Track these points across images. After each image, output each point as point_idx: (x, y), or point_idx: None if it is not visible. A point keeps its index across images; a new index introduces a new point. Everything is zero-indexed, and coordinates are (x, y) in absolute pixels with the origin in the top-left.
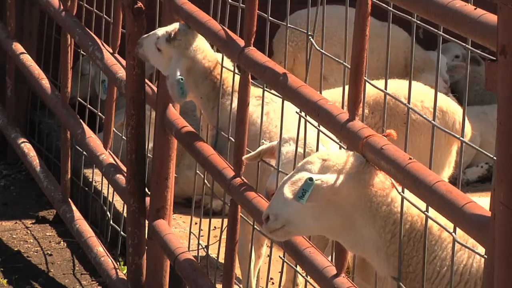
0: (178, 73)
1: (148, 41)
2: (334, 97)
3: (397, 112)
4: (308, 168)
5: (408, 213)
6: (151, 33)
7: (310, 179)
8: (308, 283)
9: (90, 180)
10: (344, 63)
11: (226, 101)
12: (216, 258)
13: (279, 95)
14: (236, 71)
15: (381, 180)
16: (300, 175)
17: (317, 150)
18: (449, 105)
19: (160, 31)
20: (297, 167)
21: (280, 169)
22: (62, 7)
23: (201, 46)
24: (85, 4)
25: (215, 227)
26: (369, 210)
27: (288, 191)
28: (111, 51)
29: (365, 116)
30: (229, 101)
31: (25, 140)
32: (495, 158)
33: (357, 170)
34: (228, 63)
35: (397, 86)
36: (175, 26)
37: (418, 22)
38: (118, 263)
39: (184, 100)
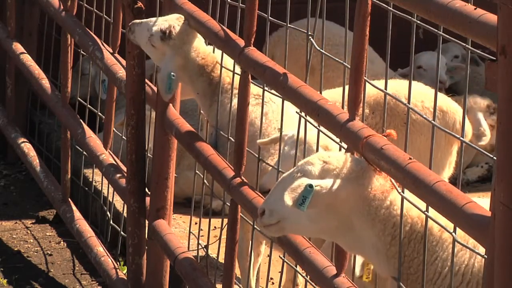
0: (170, 69)
1: (140, 30)
2: (334, 97)
3: (397, 112)
4: (308, 169)
5: (408, 215)
6: (143, 22)
7: (310, 185)
8: (308, 283)
9: (90, 180)
10: (344, 63)
11: (225, 98)
12: (216, 258)
13: (279, 95)
14: (236, 70)
15: (381, 183)
16: (299, 182)
17: (317, 150)
18: (450, 105)
19: (155, 27)
20: (297, 166)
21: (280, 169)
22: (62, 7)
23: (196, 44)
24: (85, 4)
25: (215, 227)
26: (368, 214)
27: (288, 198)
28: (111, 51)
29: (366, 116)
30: (227, 99)
31: (25, 140)
32: (495, 158)
33: (356, 175)
34: (227, 60)
35: (397, 86)
36: (170, 22)
37: (418, 22)
38: (118, 263)
39: (170, 95)
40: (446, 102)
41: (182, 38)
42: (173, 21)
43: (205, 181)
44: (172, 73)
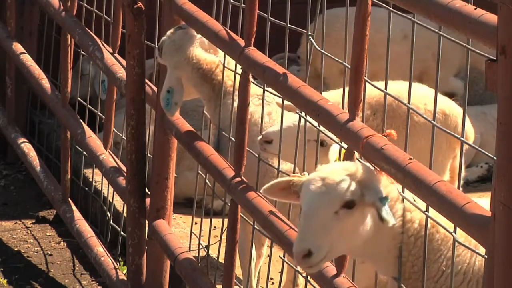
0: (168, 85)
1: None
2: (334, 98)
3: (399, 114)
4: (343, 188)
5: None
6: None
7: (386, 198)
8: (308, 283)
9: (90, 180)
10: (344, 63)
11: (228, 100)
12: (216, 258)
13: (279, 95)
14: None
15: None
16: (381, 203)
17: (316, 153)
18: (452, 109)
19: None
20: (321, 194)
21: (280, 170)
22: (62, 7)
23: (193, 54)
24: (85, 4)
25: (215, 227)
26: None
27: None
28: (111, 51)
29: (367, 117)
30: (230, 100)
31: (25, 140)
32: (495, 158)
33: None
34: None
35: (400, 88)
36: (163, 39)
37: (418, 22)
38: (118, 263)
39: (171, 111)
40: (449, 105)
41: (170, 54)
42: (165, 36)
43: (207, 181)
44: (168, 89)
